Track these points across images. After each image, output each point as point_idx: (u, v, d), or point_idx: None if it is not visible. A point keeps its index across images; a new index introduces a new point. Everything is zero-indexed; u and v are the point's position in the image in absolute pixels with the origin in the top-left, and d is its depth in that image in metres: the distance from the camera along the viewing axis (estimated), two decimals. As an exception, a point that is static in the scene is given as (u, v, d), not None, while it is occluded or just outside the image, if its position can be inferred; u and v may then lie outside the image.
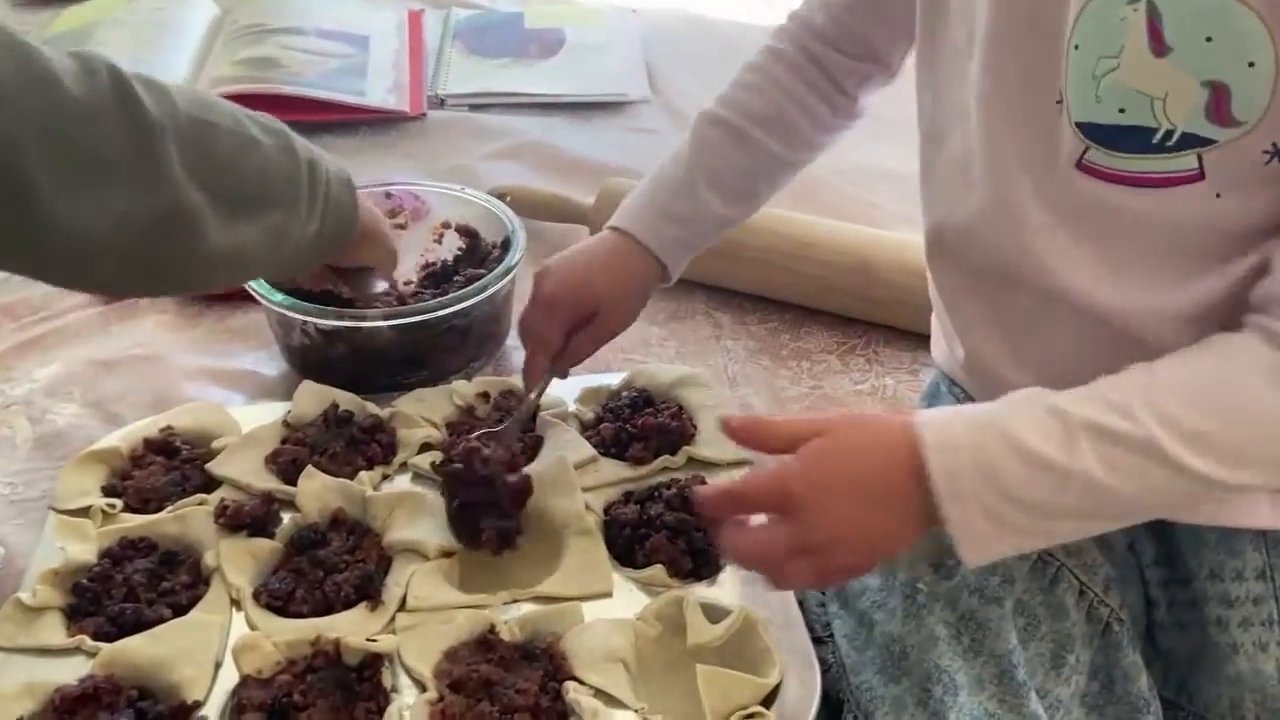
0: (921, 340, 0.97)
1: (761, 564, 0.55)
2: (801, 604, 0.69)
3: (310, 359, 0.89)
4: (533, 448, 0.80)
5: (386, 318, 0.85)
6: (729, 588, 0.70)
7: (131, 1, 1.54)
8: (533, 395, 0.78)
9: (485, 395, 0.85)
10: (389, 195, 1.02)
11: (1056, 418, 0.51)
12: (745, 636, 0.66)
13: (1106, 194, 0.54)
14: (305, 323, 0.85)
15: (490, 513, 0.72)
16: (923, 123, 0.67)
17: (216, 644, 0.64)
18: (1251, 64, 0.48)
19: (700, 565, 0.71)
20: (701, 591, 0.70)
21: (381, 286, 0.84)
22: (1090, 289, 0.57)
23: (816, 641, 0.67)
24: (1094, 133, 0.53)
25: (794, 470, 0.53)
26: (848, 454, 0.53)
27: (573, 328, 0.76)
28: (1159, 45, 0.49)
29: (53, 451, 0.84)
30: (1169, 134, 0.51)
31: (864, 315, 0.99)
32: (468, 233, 0.98)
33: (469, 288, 0.87)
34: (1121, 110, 0.52)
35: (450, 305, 0.85)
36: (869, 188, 1.21)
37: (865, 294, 0.98)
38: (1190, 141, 0.51)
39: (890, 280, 0.96)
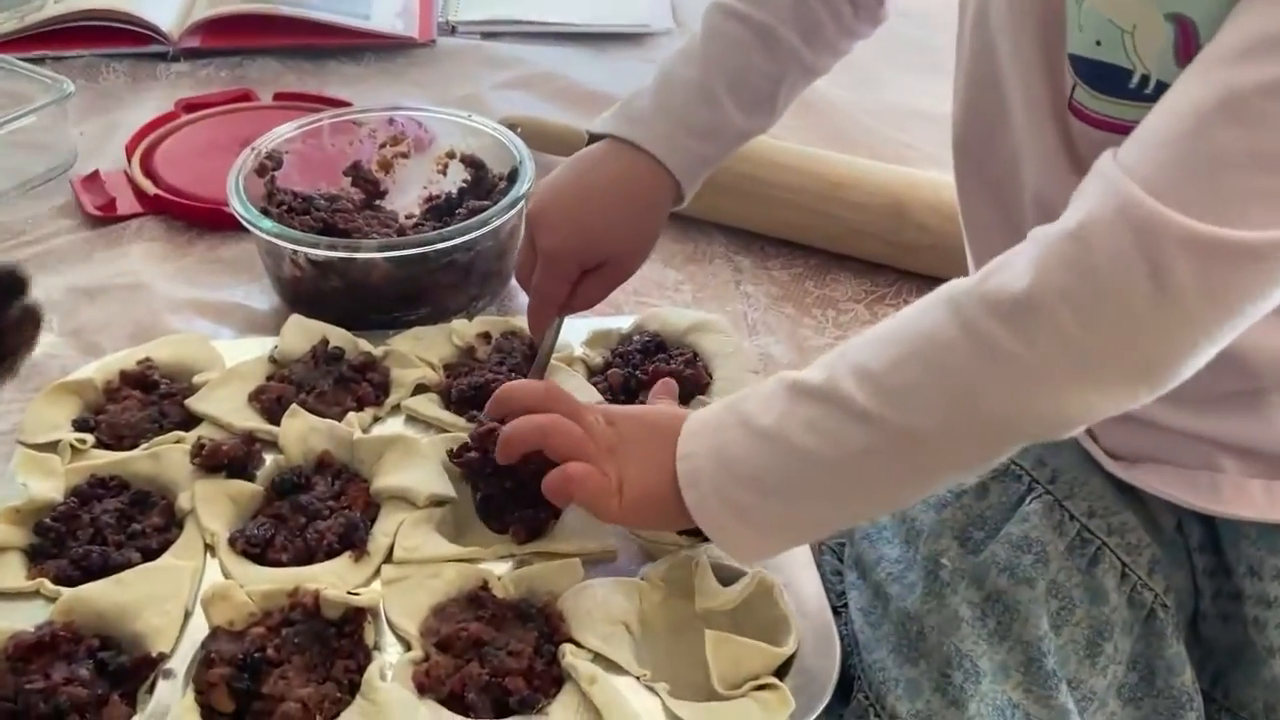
0: (956, 290, 0.90)
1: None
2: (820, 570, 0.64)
3: (301, 292, 0.83)
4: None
5: (382, 249, 0.79)
6: (742, 548, 0.65)
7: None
8: (544, 347, 0.72)
9: (486, 336, 0.79)
10: (392, 121, 0.96)
11: (779, 384, 0.51)
12: (759, 601, 0.61)
13: (1094, 138, 0.50)
14: (296, 253, 0.80)
15: (518, 499, 0.64)
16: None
17: (187, 592, 0.60)
18: None
19: (712, 524, 0.66)
20: (714, 552, 0.64)
21: None
22: None
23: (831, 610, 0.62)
24: (1079, 67, 0.50)
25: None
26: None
27: (580, 278, 0.69)
28: None
29: (26, 383, 0.79)
30: (1145, 80, 0.48)
31: (895, 262, 0.93)
32: (473, 163, 0.92)
33: (472, 220, 0.80)
34: (1098, 43, 0.48)
35: (451, 238, 0.79)
36: (902, 127, 1.13)
37: (897, 239, 0.91)
38: (1162, 89, 0.45)
39: (924, 223, 0.90)
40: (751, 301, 0.92)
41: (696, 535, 0.64)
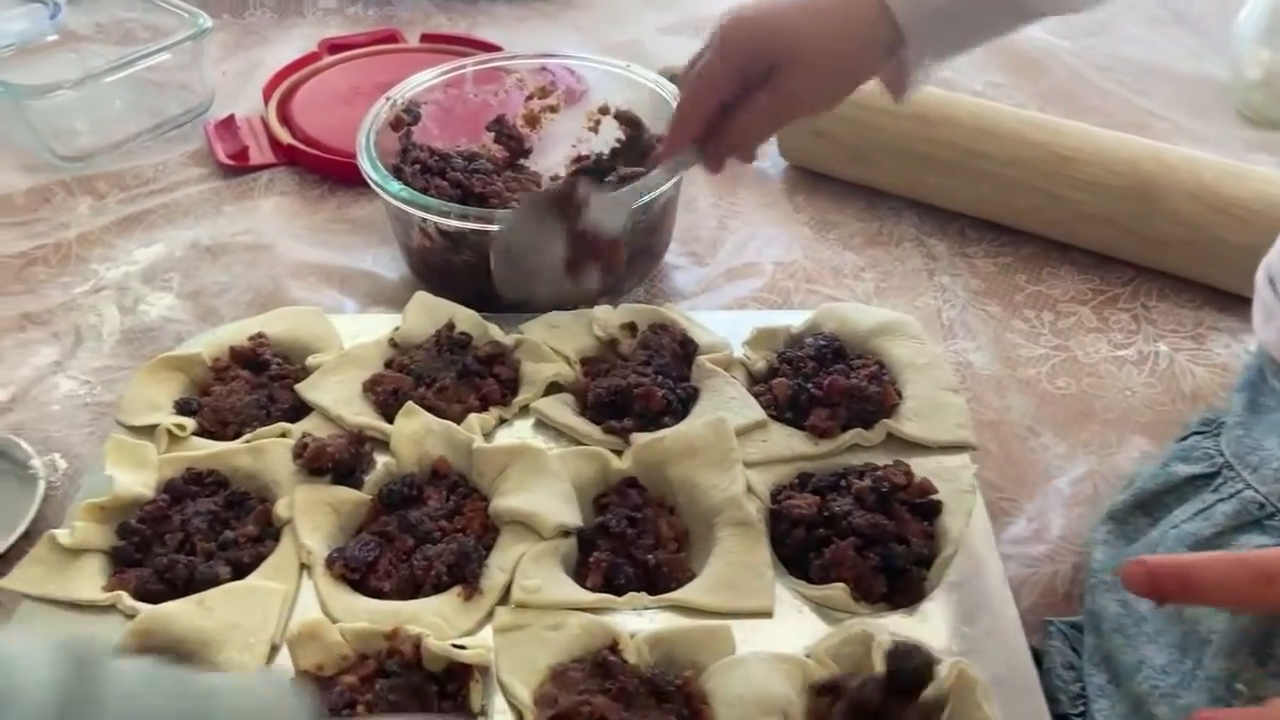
0: (1211, 295, 0.73)
1: None
2: (1039, 662, 0.50)
3: (430, 264, 0.74)
4: (685, 402, 0.63)
5: (520, 220, 0.68)
6: (936, 624, 0.52)
7: None
8: (659, 170, 0.60)
9: (631, 327, 0.67)
10: (543, 69, 0.85)
11: None
12: (958, 702, 0.48)
13: None
14: (425, 221, 0.70)
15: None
16: None
17: (275, 623, 0.51)
18: None
19: (897, 589, 0.53)
20: (897, 625, 0.51)
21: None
22: None
23: (1059, 718, 0.48)
24: None
25: None
26: None
27: (749, 83, 0.54)
28: None
29: (139, 348, 0.73)
30: None
31: (1135, 256, 0.76)
32: (629, 121, 0.80)
33: (624, 189, 0.69)
34: None
35: (599, 209, 0.68)
36: (1143, 90, 0.94)
37: (1140, 228, 0.74)
38: None
39: (1177, 211, 0.73)
40: (948, 296, 0.77)
41: (876, 603, 0.52)
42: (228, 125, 0.94)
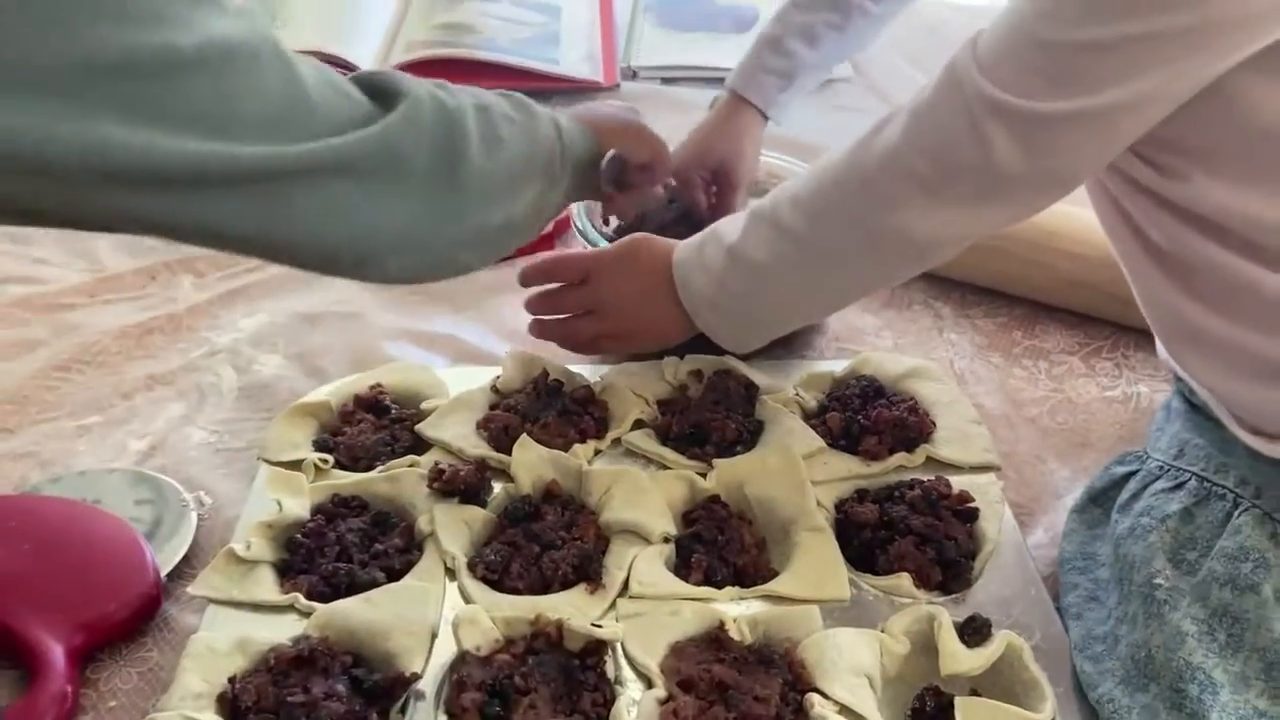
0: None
1: (556, 314, 0.77)
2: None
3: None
4: (753, 433, 0.74)
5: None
6: (984, 606, 0.62)
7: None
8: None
9: (698, 374, 0.79)
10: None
11: (747, 211, 0.69)
12: (1008, 665, 0.58)
13: None
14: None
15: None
16: None
17: (433, 613, 0.61)
18: None
19: (950, 578, 0.64)
20: (952, 609, 0.62)
21: (655, 194, 0.84)
22: None
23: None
24: None
25: (596, 257, 0.77)
26: (636, 260, 0.74)
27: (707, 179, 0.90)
28: None
29: (257, 402, 0.83)
30: None
31: (1113, 315, 0.89)
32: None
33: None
34: None
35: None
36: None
37: (1118, 291, 0.87)
38: None
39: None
40: (956, 349, 0.89)
41: (933, 590, 0.63)
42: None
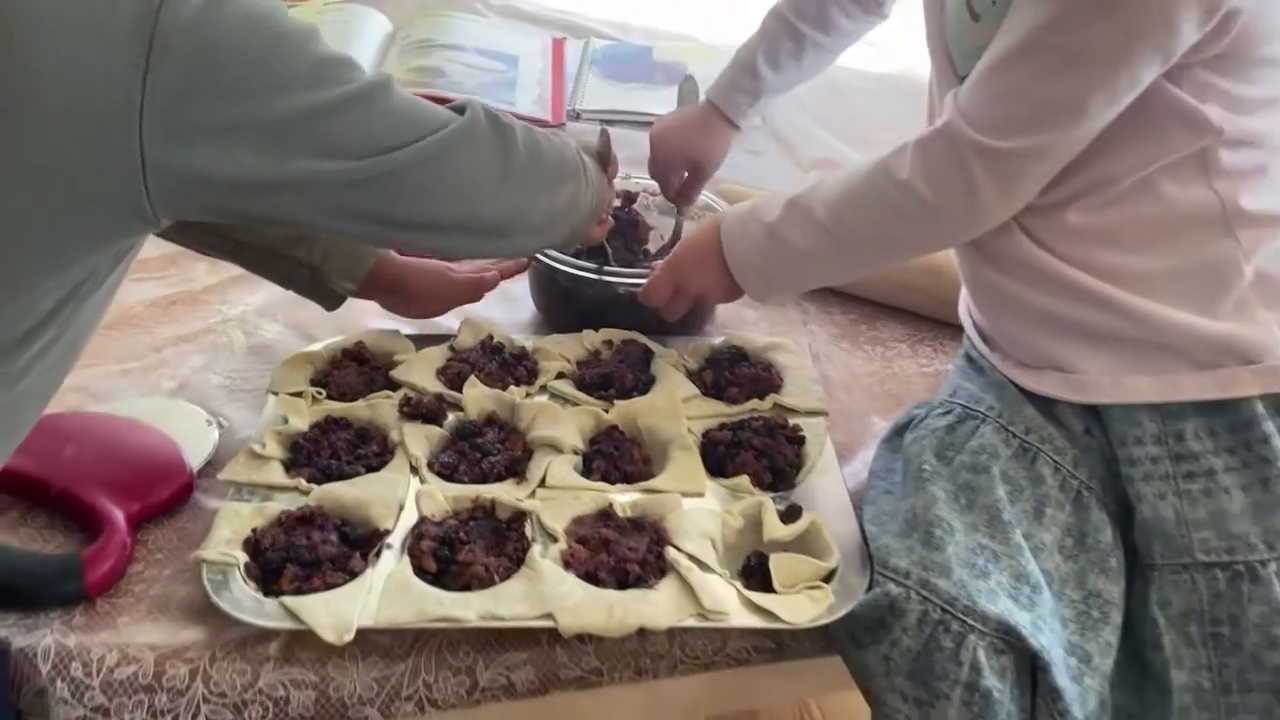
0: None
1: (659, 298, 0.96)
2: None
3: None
4: (647, 384, 0.98)
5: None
6: (801, 500, 0.86)
7: (319, 14, 1.79)
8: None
9: (610, 342, 1.03)
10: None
11: (783, 196, 0.87)
12: (811, 535, 0.82)
13: None
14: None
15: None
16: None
17: (401, 493, 0.83)
18: None
19: (778, 481, 0.88)
20: (777, 503, 0.86)
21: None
22: None
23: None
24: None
25: (675, 257, 0.96)
26: (694, 241, 0.94)
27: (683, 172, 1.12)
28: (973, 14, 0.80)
29: (262, 358, 1.05)
30: None
31: (933, 313, 1.15)
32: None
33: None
34: (976, 60, 0.77)
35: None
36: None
37: (935, 294, 1.13)
38: None
39: (957, 282, 1.12)
40: (815, 337, 1.14)
41: (765, 489, 0.87)
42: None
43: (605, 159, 0.95)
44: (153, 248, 1.20)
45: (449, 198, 0.73)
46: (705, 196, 1.17)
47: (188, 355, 1.05)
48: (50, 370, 0.67)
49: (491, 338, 1.01)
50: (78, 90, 0.58)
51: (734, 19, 1.23)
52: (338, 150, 0.66)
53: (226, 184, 0.63)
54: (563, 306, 1.08)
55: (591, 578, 0.77)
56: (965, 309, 0.95)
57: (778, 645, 0.79)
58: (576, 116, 1.62)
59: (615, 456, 0.89)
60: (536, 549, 0.79)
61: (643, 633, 0.76)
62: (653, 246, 1.16)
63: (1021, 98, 0.74)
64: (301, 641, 0.74)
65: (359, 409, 0.92)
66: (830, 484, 0.89)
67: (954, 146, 0.76)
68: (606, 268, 1.04)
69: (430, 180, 0.71)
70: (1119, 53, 0.70)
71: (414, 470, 0.87)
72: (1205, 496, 0.75)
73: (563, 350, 1.01)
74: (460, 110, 0.74)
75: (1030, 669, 0.72)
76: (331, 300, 0.97)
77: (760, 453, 0.89)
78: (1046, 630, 0.73)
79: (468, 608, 0.74)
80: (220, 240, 0.91)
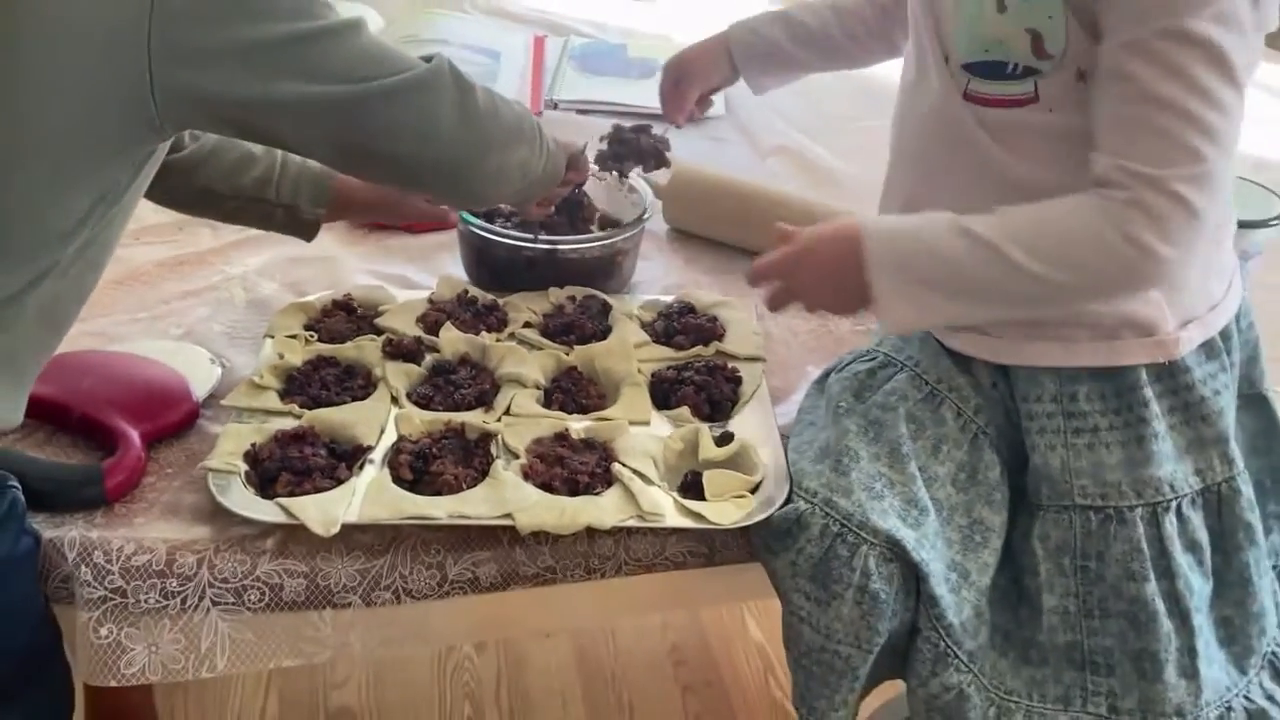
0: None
1: (772, 302, 0.93)
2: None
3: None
4: (604, 333, 1.10)
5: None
6: (736, 430, 0.98)
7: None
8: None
9: (573, 298, 1.15)
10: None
11: (947, 224, 0.80)
12: (741, 458, 0.94)
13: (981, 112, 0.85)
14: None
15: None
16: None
17: (382, 418, 0.95)
18: (1050, 17, 0.79)
19: (715, 413, 1.00)
20: (713, 431, 0.98)
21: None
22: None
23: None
24: (972, 69, 0.84)
25: (789, 257, 0.89)
26: (818, 250, 0.87)
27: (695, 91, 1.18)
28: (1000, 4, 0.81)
29: (261, 312, 1.16)
30: (1015, 66, 0.82)
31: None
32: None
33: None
34: (986, 50, 0.82)
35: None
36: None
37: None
38: (1028, 71, 0.81)
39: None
40: (760, 298, 1.26)
41: (704, 419, 0.99)
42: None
43: (576, 160, 1.06)
44: (162, 215, 1.33)
45: (410, 135, 0.83)
46: (631, 179, 1.26)
47: (193, 307, 1.17)
48: (88, 270, 0.81)
49: (466, 291, 1.13)
50: (98, 12, 0.70)
51: (708, 21, 1.34)
52: (316, 74, 0.77)
53: (220, 100, 0.75)
54: (476, 264, 1.19)
55: (547, 487, 0.89)
56: None
57: (710, 550, 0.91)
58: (554, 106, 1.74)
59: (573, 391, 1.01)
60: (500, 463, 0.91)
61: (591, 534, 0.87)
62: (596, 227, 1.23)
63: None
64: (295, 537, 0.86)
65: (347, 349, 1.04)
66: (761, 417, 1.01)
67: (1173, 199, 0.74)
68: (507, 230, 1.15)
69: (395, 114, 0.81)
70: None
71: (394, 400, 0.98)
72: (1088, 450, 0.87)
73: (530, 304, 1.13)
74: (428, 60, 0.85)
75: (915, 580, 0.84)
76: (308, 230, 1.08)
77: (700, 388, 1.01)
78: (929, 547, 0.84)
79: (438, 508, 0.86)
80: (200, 196, 1.03)
